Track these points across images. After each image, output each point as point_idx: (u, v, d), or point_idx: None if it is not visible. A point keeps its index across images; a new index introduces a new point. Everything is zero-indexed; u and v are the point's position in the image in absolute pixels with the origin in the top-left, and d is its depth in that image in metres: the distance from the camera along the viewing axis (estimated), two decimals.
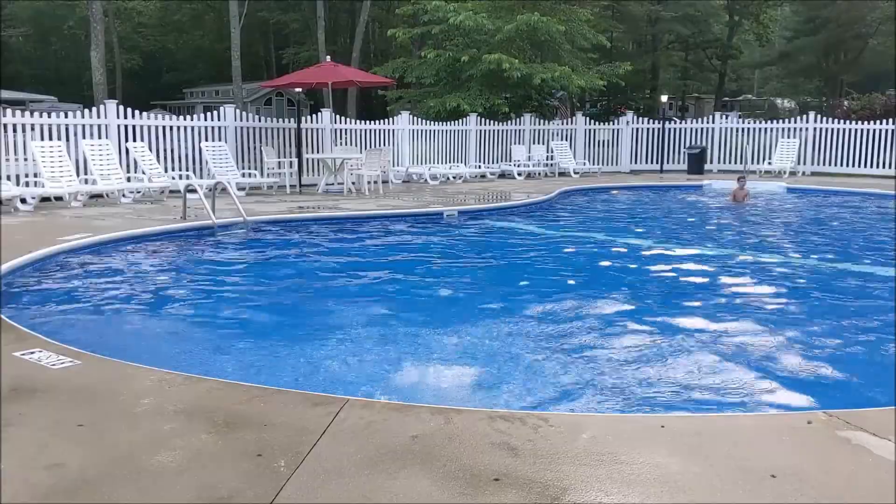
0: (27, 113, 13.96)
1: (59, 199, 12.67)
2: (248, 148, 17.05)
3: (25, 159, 13.25)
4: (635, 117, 24.33)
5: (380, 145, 18.93)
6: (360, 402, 3.98)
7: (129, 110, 15.06)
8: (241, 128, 17.01)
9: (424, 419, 3.71)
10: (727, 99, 54.44)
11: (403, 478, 3.10)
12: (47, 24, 50.23)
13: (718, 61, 47.19)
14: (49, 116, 14.04)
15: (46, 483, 3.05)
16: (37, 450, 3.35)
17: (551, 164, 21.96)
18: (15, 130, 13.52)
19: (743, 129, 23.04)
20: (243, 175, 15.92)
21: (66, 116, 14.33)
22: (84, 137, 14.13)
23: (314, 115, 18.58)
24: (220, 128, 16.50)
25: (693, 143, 22.97)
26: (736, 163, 22.37)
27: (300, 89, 19.65)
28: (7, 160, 13.22)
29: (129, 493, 2.97)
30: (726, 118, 24.19)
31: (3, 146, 11.07)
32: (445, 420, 3.71)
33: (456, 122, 21.42)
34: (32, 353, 4.66)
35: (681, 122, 24.95)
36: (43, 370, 4.37)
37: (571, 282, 8.49)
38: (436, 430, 3.58)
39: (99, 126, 14.53)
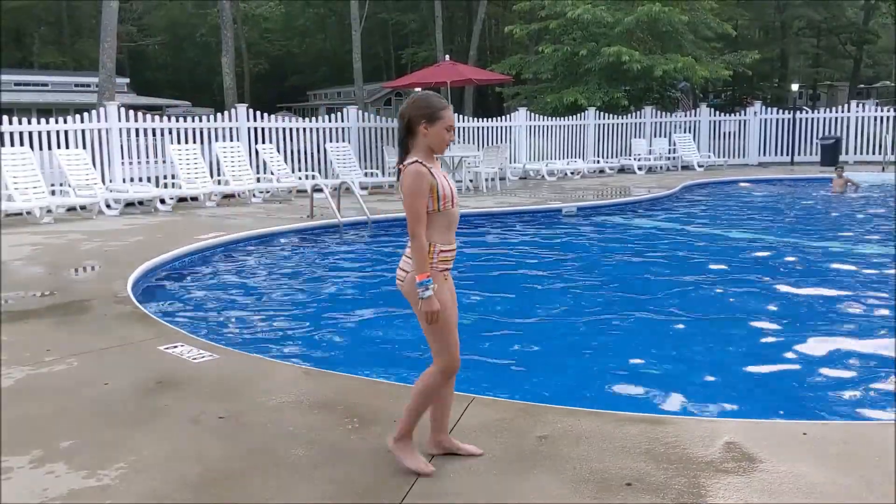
0: (164, 118, 14.74)
1: (194, 199, 13.34)
2: (370, 148, 17.44)
3: (164, 161, 14.12)
4: (763, 107, 23.33)
5: (497, 142, 18.93)
6: (486, 401, 3.99)
7: (258, 113, 15.69)
8: (363, 128, 17.41)
9: (551, 420, 3.68)
10: (863, 86, 51.33)
11: (533, 479, 3.09)
12: (181, 33, 53.00)
13: (853, 47, 44.56)
14: (185, 120, 14.82)
15: (194, 472, 3.21)
16: (184, 441, 3.54)
17: (674, 158, 21.36)
18: (154, 135, 14.37)
19: (881, 118, 21.68)
20: (366, 174, 16.29)
21: (201, 120, 15.04)
22: (216, 140, 14.82)
23: None
24: (343, 129, 16.95)
25: (826, 133, 21.81)
26: (874, 153, 21.10)
27: (419, 89, 19.83)
28: (149, 162, 14.09)
29: (270, 485, 3.09)
30: (862, 106, 22.83)
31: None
32: (573, 422, 3.66)
33: (574, 116, 21.16)
34: (175, 346, 4.92)
35: (813, 112, 23.73)
36: (185, 364, 4.59)
37: (707, 281, 8.18)
38: (563, 432, 3.54)
39: (230, 129, 15.20)
